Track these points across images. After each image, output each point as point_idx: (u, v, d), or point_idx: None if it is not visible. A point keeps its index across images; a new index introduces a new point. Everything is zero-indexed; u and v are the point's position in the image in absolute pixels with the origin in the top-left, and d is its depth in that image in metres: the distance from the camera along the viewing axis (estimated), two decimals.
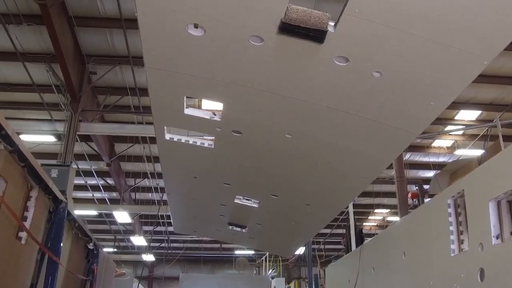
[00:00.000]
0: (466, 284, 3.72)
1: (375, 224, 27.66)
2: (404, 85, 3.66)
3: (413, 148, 18.87)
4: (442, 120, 16.72)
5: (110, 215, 23.28)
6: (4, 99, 14.98)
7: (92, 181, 21.13)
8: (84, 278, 6.75)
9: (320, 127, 4.50)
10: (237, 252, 31.80)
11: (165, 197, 18.85)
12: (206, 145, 5.36)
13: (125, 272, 16.95)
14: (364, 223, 26.77)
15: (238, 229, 8.49)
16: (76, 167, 17.23)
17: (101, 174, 20.57)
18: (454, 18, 2.99)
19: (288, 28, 3.22)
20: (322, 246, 25.14)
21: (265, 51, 3.53)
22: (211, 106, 4.92)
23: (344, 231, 20.08)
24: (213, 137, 5.23)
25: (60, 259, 4.97)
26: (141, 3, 3.23)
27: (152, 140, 16.59)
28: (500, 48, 3.15)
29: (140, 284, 24.65)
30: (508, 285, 3.17)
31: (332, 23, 3.21)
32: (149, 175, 20.28)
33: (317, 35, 3.24)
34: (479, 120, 16.97)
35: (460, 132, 18.07)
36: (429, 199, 14.12)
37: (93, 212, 22.93)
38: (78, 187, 20.93)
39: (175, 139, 5.36)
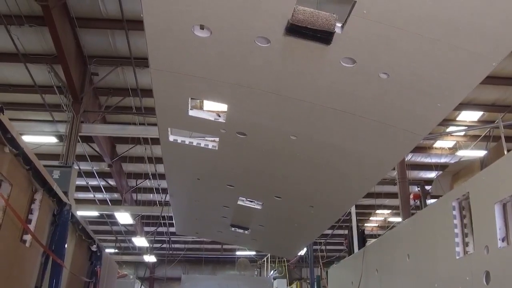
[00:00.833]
0: (471, 287, 3.70)
1: (377, 225, 27.64)
2: (411, 87, 3.64)
3: (415, 149, 18.76)
4: (444, 121, 16.68)
5: (111, 216, 23.27)
6: (5, 100, 14.96)
7: (93, 182, 21.13)
8: (88, 280, 6.74)
9: (326, 129, 4.49)
10: (238, 253, 31.77)
11: (167, 198, 18.89)
12: (210, 146, 5.34)
13: (127, 273, 16.96)
14: (365, 224, 26.73)
15: (241, 230, 8.48)
16: (78, 168, 17.22)
17: (102, 175, 20.57)
18: (462, 19, 2.97)
19: (295, 29, 3.20)
20: (323, 247, 25.10)
21: (272, 52, 3.51)
22: (215, 108, 4.91)
23: (345, 231, 20.10)
24: (217, 139, 5.21)
25: (64, 261, 4.97)
26: (147, 4, 3.21)
27: (154, 141, 16.59)
28: (509, 49, 3.13)
29: (142, 285, 24.64)
30: None
31: (339, 24, 3.20)
32: (151, 176, 20.26)
33: (324, 36, 3.22)
34: (481, 121, 16.94)
35: (462, 133, 18.04)
36: (431, 200, 14.12)
37: (94, 213, 22.93)
38: (80, 188, 20.94)
39: (179, 141, 5.34)
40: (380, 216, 26.65)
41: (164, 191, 21.02)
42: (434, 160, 19.66)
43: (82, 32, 12.41)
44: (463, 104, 15.86)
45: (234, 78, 3.94)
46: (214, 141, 5.30)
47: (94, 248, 6.98)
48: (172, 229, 24.83)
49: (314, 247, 20.31)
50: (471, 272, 3.72)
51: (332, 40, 3.24)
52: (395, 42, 3.23)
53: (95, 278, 6.95)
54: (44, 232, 4.69)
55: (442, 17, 2.98)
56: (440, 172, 16.25)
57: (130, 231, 27.22)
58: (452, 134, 17.86)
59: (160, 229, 24.44)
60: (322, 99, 4.02)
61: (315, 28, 3.16)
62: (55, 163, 13.22)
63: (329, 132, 4.52)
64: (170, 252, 29.17)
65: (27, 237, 4.22)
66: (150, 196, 23.16)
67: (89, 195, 22.59)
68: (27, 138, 14.88)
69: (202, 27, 3.35)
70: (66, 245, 5.07)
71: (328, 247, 27.45)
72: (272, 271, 24.84)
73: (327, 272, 11.59)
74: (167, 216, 19.95)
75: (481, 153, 15.42)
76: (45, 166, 4.48)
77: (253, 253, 30.06)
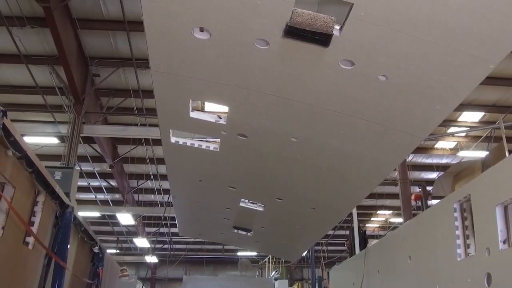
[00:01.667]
0: None
1: (378, 225, 27.64)
2: (410, 89, 3.65)
3: (416, 149, 18.76)
4: (445, 122, 16.67)
5: (112, 217, 23.30)
6: (7, 101, 15.00)
7: (95, 183, 21.15)
8: (90, 282, 6.75)
9: (326, 131, 4.50)
10: (239, 253, 31.77)
11: (168, 199, 18.89)
12: (211, 148, 5.36)
13: (129, 274, 16.97)
14: (367, 225, 26.72)
15: (243, 232, 8.48)
16: (80, 169, 17.25)
17: (104, 176, 20.59)
18: (459, 21, 2.98)
19: (293, 32, 3.21)
20: (324, 248, 25.10)
21: (271, 54, 3.53)
22: (216, 109, 4.93)
23: (346, 232, 20.11)
24: (219, 141, 5.22)
25: (66, 263, 4.98)
26: (147, 6, 3.23)
27: (155, 142, 16.61)
28: (507, 51, 3.13)
29: (143, 286, 24.66)
30: None
31: (337, 27, 3.21)
32: (152, 177, 20.28)
33: (322, 38, 3.23)
34: (482, 122, 16.93)
35: (463, 134, 18.03)
36: (433, 201, 14.12)
37: (96, 214, 22.96)
38: (81, 189, 20.97)
39: (181, 143, 5.35)
40: (381, 216, 26.64)
41: (166, 192, 21.03)
42: (435, 160, 19.65)
43: (83, 33, 12.43)
44: (464, 104, 15.85)
45: (234, 80, 3.96)
46: (215, 142, 5.31)
47: (96, 249, 7.00)
48: (173, 230, 24.89)
49: (316, 247, 20.32)
50: (472, 274, 3.73)
51: (330, 42, 3.25)
52: (393, 44, 3.24)
53: (97, 280, 6.96)
54: (46, 234, 4.71)
55: (439, 20, 2.99)
56: (442, 173, 16.25)
57: (131, 231, 27.25)
58: (454, 134, 17.85)
59: (161, 229, 24.45)
60: (321, 101, 4.03)
61: (314, 30, 3.17)
62: (57, 164, 13.24)
63: (329, 134, 4.53)
64: (172, 252, 29.18)
65: (30, 240, 4.23)
66: (152, 197, 23.18)
67: (91, 196, 22.61)
68: (28, 139, 14.92)
69: (201, 29, 3.37)
70: (68, 247, 5.08)
71: (329, 247, 27.43)
72: (274, 272, 24.84)
73: (328, 273, 11.61)
74: (168, 217, 19.97)
75: (483, 154, 15.42)
76: (46, 167, 4.49)
77: (255, 253, 30.04)
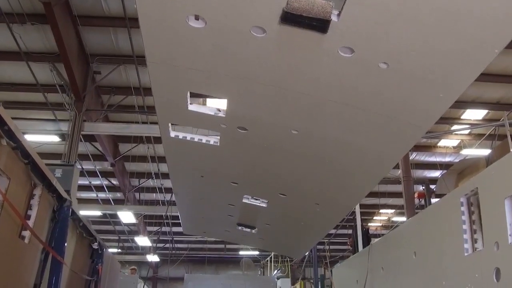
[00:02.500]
0: (481, 285, 3.61)
1: (380, 224, 27.57)
2: (412, 76, 3.54)
3: (419, 147, 18.75)
4: (448, 120, 16.61)
5: (114, 216, 23.28)
6: (8, 98, 14.97)
7: (96, 181, 21.12)
8: (89, 278, 6.66)
9: (326, 122, 4.40)
10: (241, 252, 31.72)
11: (169, 198, 18.82)
12: (211, 142, 5.27)
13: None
14: (369, 224, 26.65)
15: (248, 229, 8.39)
16: (80, 167, 17.20)
17: (105, 174, 20.55)
18: (462, 4, 2.88)
19: (290, 18, 3.11)
20: (327, 247, 25.03)
21: (268, 42, 3.43)
22: (215, 102, 4.83)
23: (349, 231, 20.02)
24: (219, 135, 5.13)
25: (64, 258, 4.89)
26: None
27: (157, 140, 16.55)
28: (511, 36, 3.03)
29: (145, 285, 24.61)
30: None
31: (336, 12, 3.11)
32: (153, 175, 20.23)
33: (320, 24, 3.13)
34: (486, 120, 16.85)
35: (467, 132, 17.95)
36: (436, 199, 14.04)
37: (97, 213, 22.93)
38: (82, 188, 20.93)
39: (180, 137, 5.27)
40: (384, 215, 26.57)
41: (167, 190, 21.00)
42: (438, 159, 19.57)
43: (84, 30, 12.38)
44: (468, 102, 15.77)
45: (231, 70, 3.86)
46: (215, 136, 5.22)
47: (95, 246, 6.91)
48: (175, 229, 24.86)
49: (318, 246, 20.25)
50: (480, 269, 3.63)
51: (328, 28, 3.15)
52: (394, 30, 3.13)
53: (97, 276, 6.87)
54: (43, 229, 4.61)
55: (442, 2, 2.89)
56: (445, 171, 16.16)
57: (133, 230, 27.22)
58: (457, 132, 17.78)
59: (163, 229, 24.43)
60: (321, 91, 3.93)
61: (311, 16, 3.07)
62: (58, 162, 13.19)
63: (330, 126, 4.43)
64: (173, 251, 29.16)
65: (26, 233, 4.13)
66: (153, 196, 23.16)
67: (92, 195, 22.59)
68: (29, 137, 14.87)
69: (196, 18, 3.28)
70: (66, 242, 4.99)
71: (331, 246, 27.37)
72: (276, 271, 24.78)
73: (331, 271, 11.52)
74: (170, 216, 19.91)
75: (486, 151, 15.33)
76: (47, 164, 4.41)
77: (257, 252, 30.00)
